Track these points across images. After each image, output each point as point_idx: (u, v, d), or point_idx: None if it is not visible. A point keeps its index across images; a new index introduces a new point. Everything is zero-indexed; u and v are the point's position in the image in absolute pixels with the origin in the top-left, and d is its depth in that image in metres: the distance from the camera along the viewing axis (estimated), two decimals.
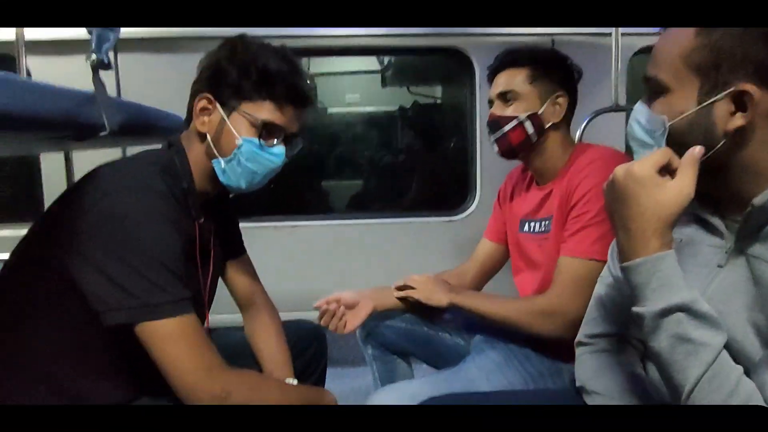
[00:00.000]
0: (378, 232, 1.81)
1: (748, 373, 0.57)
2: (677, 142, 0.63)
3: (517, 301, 1.07)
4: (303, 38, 1.70)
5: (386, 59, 2.85)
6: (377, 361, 1.31)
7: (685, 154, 0.60)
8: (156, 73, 1.68)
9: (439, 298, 1.08)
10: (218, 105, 0.83)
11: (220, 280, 1.02)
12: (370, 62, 2.98)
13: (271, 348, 1.01)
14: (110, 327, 0.71)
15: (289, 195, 2.54)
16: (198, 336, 0.74)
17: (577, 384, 0.81)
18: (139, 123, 0.99)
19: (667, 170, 0.61)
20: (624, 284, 0.78)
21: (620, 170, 0.62)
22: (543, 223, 1.12)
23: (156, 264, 0.71)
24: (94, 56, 0.81)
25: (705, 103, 0.60)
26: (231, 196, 1.00)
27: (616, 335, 0.80)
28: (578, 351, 0.84)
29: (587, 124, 1.48)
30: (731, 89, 0.58)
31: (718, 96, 0.59)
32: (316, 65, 2.94)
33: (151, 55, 1.71)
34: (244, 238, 1.08)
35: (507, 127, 1.08)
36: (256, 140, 0.83)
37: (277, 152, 0.85)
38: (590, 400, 0.78)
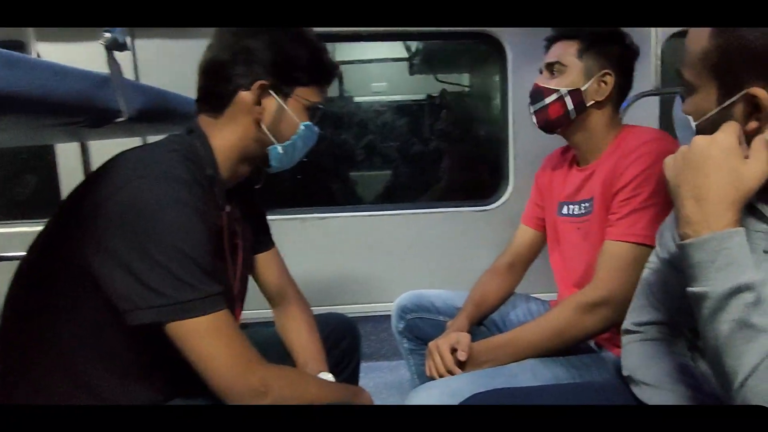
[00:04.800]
0: (409, 223, 1.82)
1: None
2: None
3: (556, 308, 1.02)
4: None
5: (413, 45, 2.84)
6: (414, 355, 1.32)
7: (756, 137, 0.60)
8: (175, 57, 1.64)
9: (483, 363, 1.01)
10: (272, 92, 0.83)
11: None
12: (397, 49, 2.97)
13: (304, 341, 1.02)
14: (137, 326, 0.68)
15: (317, 186, 2.57)
16: (232, 331, 0.72)
17: (625, 373, 0.81)
18: (158, 108, 0.94)
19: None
20: (672, 269, 0.79)
21: (701, 138, 0.61)
22: (583, 205, 1.11)
23: (183, 258, 0.68)
24: (108, 35, 0.75)
25: (722, 105, 0.62)
26: (257, 186, 1.01)
27: (665, 323, 0.80)
28: (625, 339, 0.83)
29: (628, 106, 1.45)
30: (744, 92, 0.59)
31: (734, 98, 0.60)
32: (342, 52, 2.96)
33: (170, 39, 1.70)
34: (271, 231, 1.09)
35: (548, 100, 1.07)
36: (311, 124, 0.88)
37: (317, 130, 0.91)
38: (638, 391, 0.77)
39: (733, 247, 0.57)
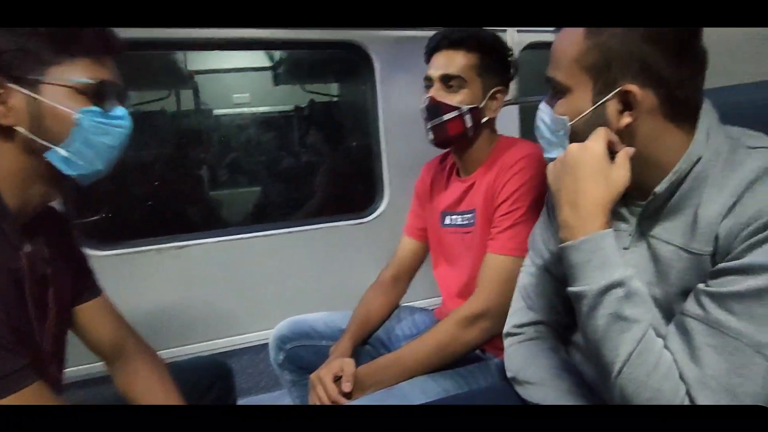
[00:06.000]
0: (283, 243, 1.71)
1: None
2: (579, 141, 0.67)
3: (439, 324, 1.01)
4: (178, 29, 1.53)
5: (277, 54, 2.73)
6: (297, 387, 1.24)
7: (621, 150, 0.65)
8: None
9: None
10: (13, 85, 0.65)
11: None
12: (259, 58, 2.84)
13: (156, 398, 0.88)
14: None
15: (174, 212, 2.30)
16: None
17: (509, 375, 0.83)
18: None
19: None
20: (545, 271, 0.83)
21: (574, 145, 0.66)
22: (465, 216, 1.13)
23: None
24: None
25: (597, 104, 0.65)
26: (76, 220, 0.82)
27: (542, 323, 0.84)
28: (507, 342, 0.86)
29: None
30: (618, 89, 0.63)
31: (608, 96, 0.64)
32: (197, 61, 2.73)
33: None
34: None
35: (447, 116, 1.05)
36: (95, 108, 0.69)
37: (122, 114, 0.72)
38: (522, 390, 0.80)
39: (606, 247, 0.61)
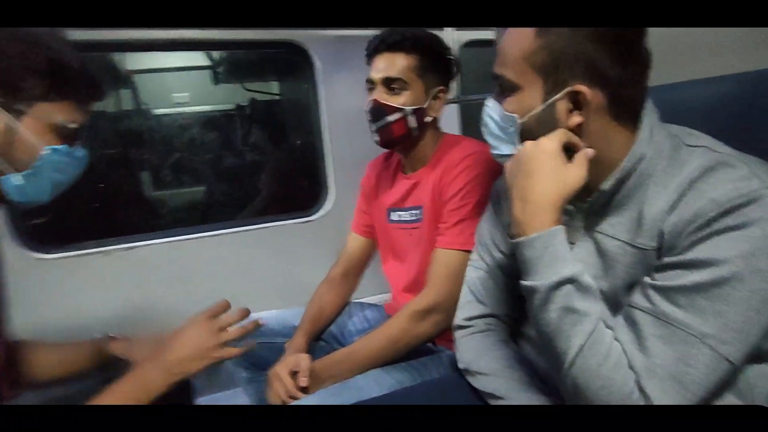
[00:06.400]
0: (231, 243, 1.67)
1: None
2: (529, 138, 0.68)
3: (391, 319, 1.03)
4: (117, 30, 1.46)
5: (216, 53, 2.65)
6: (253, 384, 1.22)
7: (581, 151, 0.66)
8: None
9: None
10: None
11: None
12: (198, 57, 2.74)
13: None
14: None
15: (119, 213, 2.22)
16: None
17: (460, 367, 0.85)
18: None
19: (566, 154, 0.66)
20: (494, 265, 0.85)
21: (529, 143, 0.66)
22: (412, 212, 1.15)
23: None
24: None
25: (547, 102, 0.65)
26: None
27: (491, 315, 0.86)
28: (457, 335, 0.88)
29: None
30: (568, 89, 0.64)
31: (558, 96, 0.64)
32: (134, 61, 2.60)
33: None
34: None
35: (391, 118, 1.06)
36: (64, 147, 0.73)
37: (82, 155, 0.78)
38: (474, 380, 0.82)
39: (557, 244, 0.63)
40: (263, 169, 2.42)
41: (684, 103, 0.88)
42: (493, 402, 0.78)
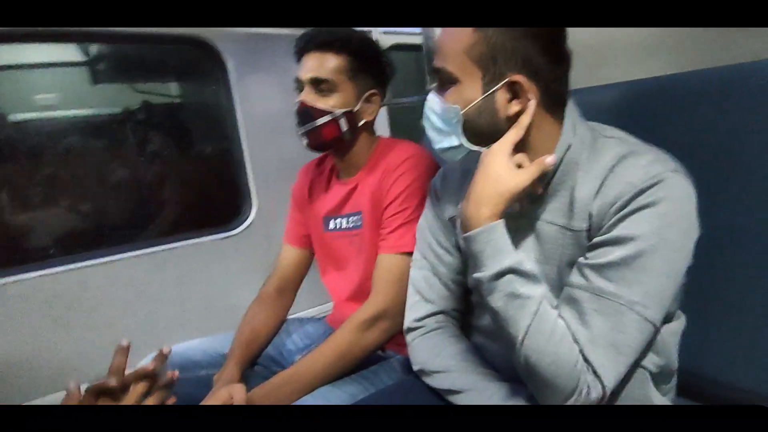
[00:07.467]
0: (131, 269, 1.49)
1: None
2: (471, 128, 0.74)
3: (336, 332, 1.00)
4: None
5: (95, 47, 2.33)
6: None
7: (539, 158, 0.71)
8: None
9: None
10: None
11: None
12: (70, 51, 2.38)
13: None
14: None
15: None
16: None
17: (415, 368, 0.87)
18: None
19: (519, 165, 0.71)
20: (437, 262, 0.89)
21: (486, 149, 0.72)
22: (351, 219, 1.13)
23: None
24: None
25: (487, 93, 0.71)
26: None
27: (439, 312, 0.89)
28: (409, 337, 0.90)
29: None
30: (506, 80, 0.70)
31: (497, 86, 0.70)
32: None
33: None
34: None
35: (320, 121, 1.03)
36: None
37: None
38: (430, 380, 0.84)
39: (497, 237, 0.69)
40: (166, 182, 2.19)
41: (592, 106, 0.99)
42: (451, 398, 0.81)
